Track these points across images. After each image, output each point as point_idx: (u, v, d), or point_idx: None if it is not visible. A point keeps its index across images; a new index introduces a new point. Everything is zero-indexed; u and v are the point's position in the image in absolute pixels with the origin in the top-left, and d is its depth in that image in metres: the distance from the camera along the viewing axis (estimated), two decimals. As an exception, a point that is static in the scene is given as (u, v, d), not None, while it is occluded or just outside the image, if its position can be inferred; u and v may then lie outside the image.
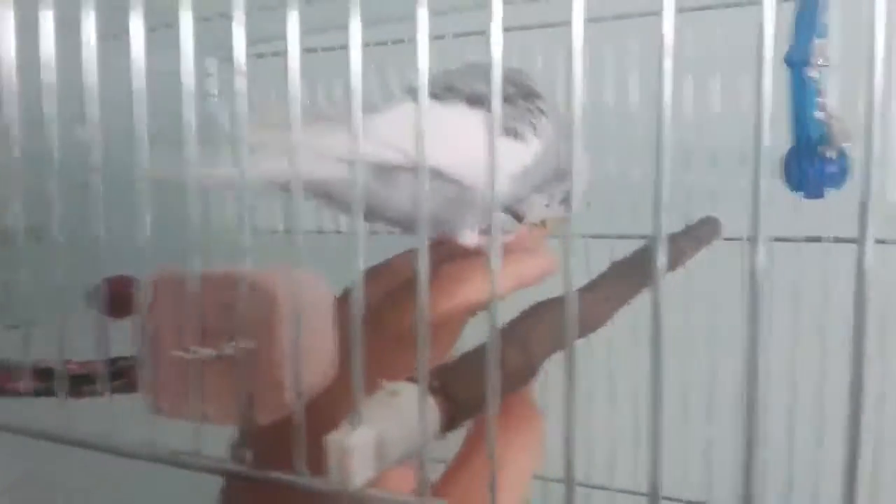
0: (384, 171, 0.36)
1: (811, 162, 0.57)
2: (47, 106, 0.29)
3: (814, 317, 0.65)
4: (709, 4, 0.63)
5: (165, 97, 0.28)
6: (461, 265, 0.38)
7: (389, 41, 0.67)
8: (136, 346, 0.29)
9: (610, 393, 0.74)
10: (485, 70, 0.23)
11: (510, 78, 0.42)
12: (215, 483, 0.35)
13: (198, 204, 0.27)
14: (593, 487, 0.78)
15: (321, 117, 0.34)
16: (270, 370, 0.26)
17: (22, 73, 0.30)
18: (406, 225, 0.40)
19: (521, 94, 0.42)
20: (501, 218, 0.21)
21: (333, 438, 0.23)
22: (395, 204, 0.37)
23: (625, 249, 0.42)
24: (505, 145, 0.39)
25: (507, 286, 0.37)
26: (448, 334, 0.38)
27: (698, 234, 0.50)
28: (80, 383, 0.37)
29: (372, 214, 0.37)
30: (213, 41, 0.74)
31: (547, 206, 0.46)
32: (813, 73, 0.54)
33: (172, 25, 0.27)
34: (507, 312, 0.31)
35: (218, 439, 0.29)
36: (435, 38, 0.24)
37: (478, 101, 0.40)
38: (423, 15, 0.23)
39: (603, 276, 0.39)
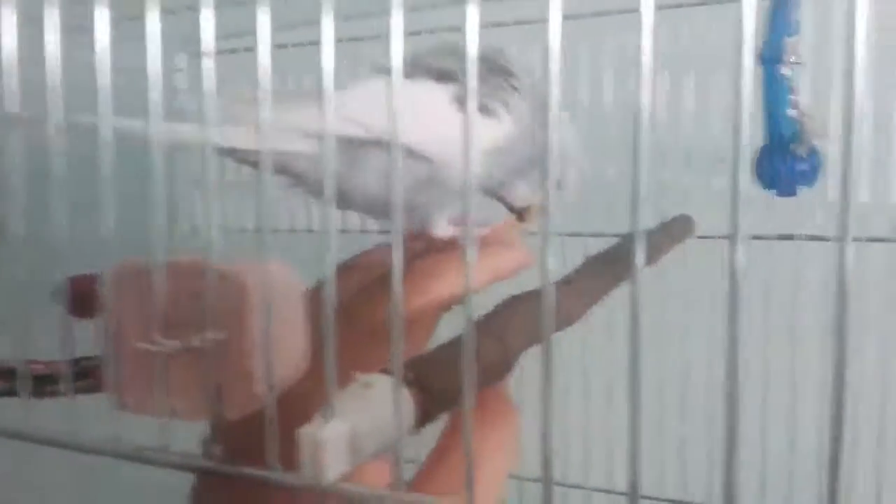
0: (351, 150, 0.36)
1: (783, 160, 0.58)
2: (9, 102, 0.29)
3: (785, 314, 0.66)
4: (684, 2, 0.63)
5: (132, 92, 0.28)
6: (435, 260, 0.38)
7: (364, 37, 0.67)
8: (100, 342, 0.28)
9: (584, 390, 0.74)
10: (453, 47, 0.22)
11: (482, 55, 0.42)
12: (187, 480, 0.34)
13: (163, 187, 0.26)
14: (570, 486, 0.78)
15: (289, 95, 0.34)
16: (240, 362, 0.26)
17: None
18: (375, 210, 0.39)
19: (494, 70, 0.41)
20: (477, 203, 0.21)
21: (306, 432, 0.23)
22: (363, 187, 0.37)
23: (599, 248, 0.42)
24: (475, 121, 0.39)
25: (483, 280, 0.37)
26: (423, 329, 0.37)
27: (672, 231, 0.50)
28: (44, 384, 0.37)
29: (341, 200, 0.37)
30: (183, 37, 0.73)
31: (535, 192, 0.46)
32: (785, 70, 0.54)
33: (139, 18, 0.26)
34: (481, 307, 0.31)
35: (189, 436, 0.29)
36: (410, 34, 0.23)
37: (445, 76, 0.39)
38: (397, 11, 0.23)
39: (577, 272, 0.38)
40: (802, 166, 0.58)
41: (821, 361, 0.60)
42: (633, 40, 0.20)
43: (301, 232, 0.78)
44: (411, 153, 0.36)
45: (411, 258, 0.38)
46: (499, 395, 0.34)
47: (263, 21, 0.24)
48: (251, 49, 0.25)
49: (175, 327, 0.26)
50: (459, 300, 0.24)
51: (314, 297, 0.26)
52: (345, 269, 0.40)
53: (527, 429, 0.33)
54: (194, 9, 0.25)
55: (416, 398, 0.25)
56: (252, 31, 0.25)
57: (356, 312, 0.35)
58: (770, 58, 0.54)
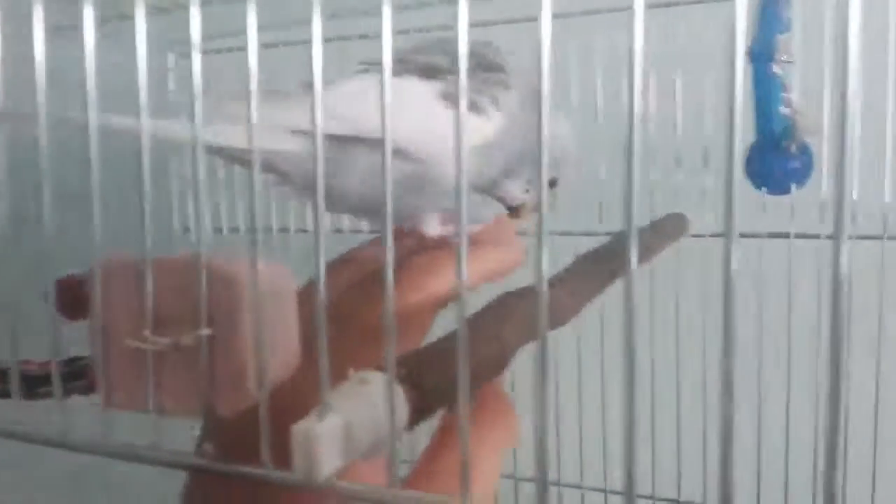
0: (336, 149, 0.35)
1: (775, 158, 0.58)
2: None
3: (778, 312, 0.66)
4: (675, 1, 0.63)
5: (122, 92, 0.28)
6: (432, 256, 0.38)
7: (353, 36, 0.67)
8: (90, 340, 0.28)
9: (579, 390, 0.74)
10: (438, 44, 0.22)
11: (472, 50, 0.41)
12: (179, 479, 0.34)
13: (152, 183, 0.26)
14: (565, 486, 0.78)
15: (274, 93, 0.34)
16: (231, 358, 0.25)
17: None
18: (362, 210, 0.39)
19: (482, 66, 0.41)
20: (469, 201, 0.21)
21: (299, 427, 0.22)
22: (348, 187, 0.37)
23: (589, 247, 0.42)
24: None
25: (476, 278, 0.37)
26: (418, 327, 0.37)
27: (666, 230, 0.50)
28: (38, 384, 0.36)
29: (327, 201, 0.36)
30: (172, 36, 0.73)
31: (527, 191, 0.46)
32: (777, 68, 0.54)
33: (129, 17, 0.26)
34: (475, 305, 0.31)
35: (184, 436, 0.28)
36: (398, 32, 0.23)
37: (431, 72, 0.39)
38: (387, 10, 0.23)
39: (569, 270, 0.38)
40: (794, 164, 0.58)
41: (814, 359, 0.60)
42: (624, 39, 0.20)
43: (293, 232, 0.78)
44: (397, 151, 0.36)
45: (407, 254, 0.38)
46: (496, 395, 0.34)
47: (252, 18, 0.24)
48: (241, 49, 0.25)
49: (166, 324, 0.26)
50: (454, 297, 0.24)
51: (307, 294, 0.26)
52: (337, 265, 0.40)
53: (522, 428, 0.33)
54: (185, 7, 0.25)
55: (410, 395, 0.25)
56: (241, 32, 0.25)
57: (350, 309, 0.35)
58: (760, 54, 0.54)
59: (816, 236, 0.63)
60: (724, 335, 0.19)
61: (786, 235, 0.65)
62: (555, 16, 0.21)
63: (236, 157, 0.34)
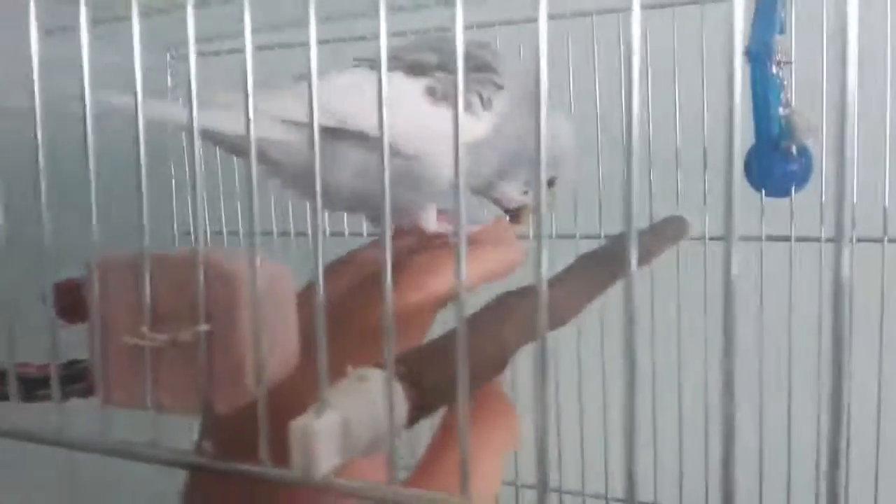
0: (325, 142, 0.36)
1: (774, 160, 0.57)
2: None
3: (779, 314, 0.66)
4: (671, 2, 0.63)
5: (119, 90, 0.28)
6: (432, 255, 0.38)
7: (348, 38, 0.67)
8: (88, 336, 0.28)
9: (579, 396, 0.74)
10: (428, 41, 0.22)
11: (464, 51, 0.41)
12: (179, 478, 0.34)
13: (148, 180, 0.26)
14: (566, 493, 0.77)
15: (265, 84, 0.34)
16: (230, 355, 0.25)
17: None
18: (354, 206, 0.39)
19: (473, 66, 0.41)
20: (466, 200, 0.21)
21: (297, 424, 0.22)
22: (340, 180, 0.37)
23: (588, 249, 0.42)
24: (448, 115, 0.38)
25: (476, 278, 0.37)
26: (418, 326, 0.37)
27: (666, 232, 0.50)
28: (36, 387, 0.36)
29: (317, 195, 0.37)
30: (168, 38, 0.73)
31: (525, 192, 0.46)
32: (775, 69, 0.54)
33: (126, 18, 0.26)
34: (475, 305, 0.31)
35: (182, 434, 0.28)
36: (394, 34, 0.23)
37: (418, 69, 0.39)
38: (383, 11, 0.23)
39: (569, 271, 0.38)
40: (793, 166, 0.58)
41: (815, 361, 0.60)
42: (616, 40, 0.20)
43: (294, 236, 0.77)
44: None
45: (407, 254, 0.38)
46: (497, 395, 0.34)
47: (247, 15, 0.24)
48: (237, 51, 0.25)
49: (164, 321, 0.26)
50: (454, 297, 0.24)
51: (307, 295, 0.26)
52: (337, 267, 0.40)
53: (522, 429, 0.33)
54: (182, 7, 0.25)
55: (409, 392, 0.25)
56: (236, 35, 0.24)
57: (349, 310, 0.35)
58: (758, 55, 0.54)
59: (817, 239, 0.63)
60: (725, 338, 0.19)
61: (787, 239, 0.65)
62: (552, 17, 0.21)
63: (228, 144, 0.34)
